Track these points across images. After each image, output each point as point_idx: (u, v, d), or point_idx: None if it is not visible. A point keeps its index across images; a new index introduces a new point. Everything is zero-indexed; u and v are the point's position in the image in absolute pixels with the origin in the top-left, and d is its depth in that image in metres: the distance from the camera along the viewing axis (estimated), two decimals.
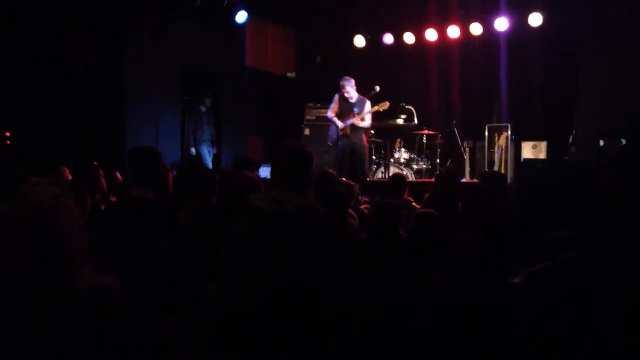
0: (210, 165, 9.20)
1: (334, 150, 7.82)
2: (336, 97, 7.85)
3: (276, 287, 2.06)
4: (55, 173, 4.99)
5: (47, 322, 1.53)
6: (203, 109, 9.37)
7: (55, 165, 5.20)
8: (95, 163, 5.00)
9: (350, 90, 7.70)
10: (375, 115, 8.04)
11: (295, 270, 2.08)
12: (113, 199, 4.58)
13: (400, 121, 8.90)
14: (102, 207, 4.20)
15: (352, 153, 7.70)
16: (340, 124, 7.66)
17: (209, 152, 9.47)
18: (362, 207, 5.22)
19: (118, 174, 5.49)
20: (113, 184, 5.19)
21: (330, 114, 7.84)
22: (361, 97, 7.75)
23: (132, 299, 1.70)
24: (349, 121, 7.63)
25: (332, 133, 7.83)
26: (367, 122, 7.77)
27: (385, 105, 7.69)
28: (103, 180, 4.74)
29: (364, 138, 7.84)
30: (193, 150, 9.19)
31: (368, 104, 7.70)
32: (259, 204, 2.17)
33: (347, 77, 7.75)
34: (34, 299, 1.53)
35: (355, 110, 7.65)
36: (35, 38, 7.37)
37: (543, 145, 8.73)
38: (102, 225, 3.10)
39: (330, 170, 4.71)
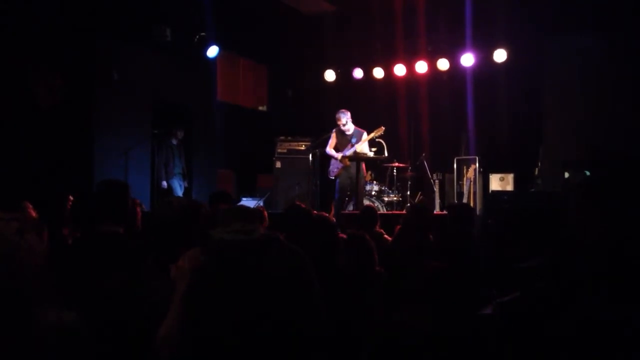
0: None
1: (338, 185, 7.91)
2: (333, 131, 7.93)
3: (253, 317, 2.03)
4: (18, 209, 4.83)
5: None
6: (174, 142, 9.34)
7: (18, 201, 5.05)
8: (71, 197, 4.87)
9: (347, 122, 7.77)
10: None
11: (270, 298, 2.06)
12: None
13: (370, 154, 9.01)
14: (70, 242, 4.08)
15: (351, 185, 7.76)
16: (338, 155, 7.74)
17: (180, 185, 9.40)
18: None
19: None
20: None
21: (328, 149, 7.92)
22: (358, 129, 7.84)
23: (100, 338, 1.65)
24: (347, 151, 7.69)
25: (333, 167, 7.90)
26: (365, 150, 7.84)
27: (381, 130, 7.79)
28: None
29: (363, 168, 7.87)
30: (164, 183, 9.12)
31: (365, 134, 7.80)
32: (224, 236, 2.15)
33: (342, 110, 7.83)
34: None
35: (353, 141, 7.71)
36: (1, 74, 7.27)
37: (510, 177, 8.92)
38: (70, 261, 2.99)
39: (301, 205, 4.71)
